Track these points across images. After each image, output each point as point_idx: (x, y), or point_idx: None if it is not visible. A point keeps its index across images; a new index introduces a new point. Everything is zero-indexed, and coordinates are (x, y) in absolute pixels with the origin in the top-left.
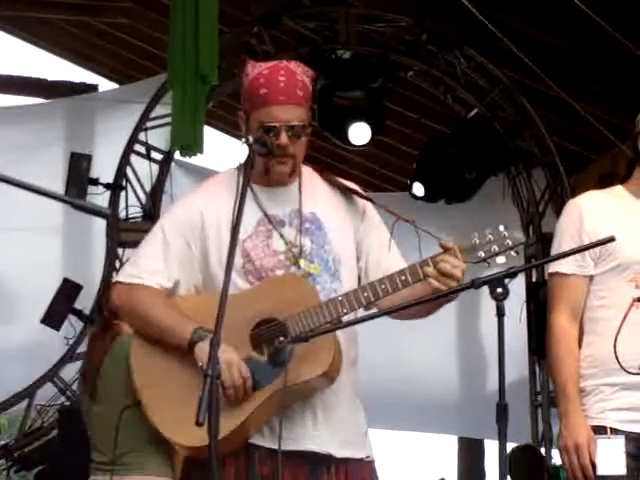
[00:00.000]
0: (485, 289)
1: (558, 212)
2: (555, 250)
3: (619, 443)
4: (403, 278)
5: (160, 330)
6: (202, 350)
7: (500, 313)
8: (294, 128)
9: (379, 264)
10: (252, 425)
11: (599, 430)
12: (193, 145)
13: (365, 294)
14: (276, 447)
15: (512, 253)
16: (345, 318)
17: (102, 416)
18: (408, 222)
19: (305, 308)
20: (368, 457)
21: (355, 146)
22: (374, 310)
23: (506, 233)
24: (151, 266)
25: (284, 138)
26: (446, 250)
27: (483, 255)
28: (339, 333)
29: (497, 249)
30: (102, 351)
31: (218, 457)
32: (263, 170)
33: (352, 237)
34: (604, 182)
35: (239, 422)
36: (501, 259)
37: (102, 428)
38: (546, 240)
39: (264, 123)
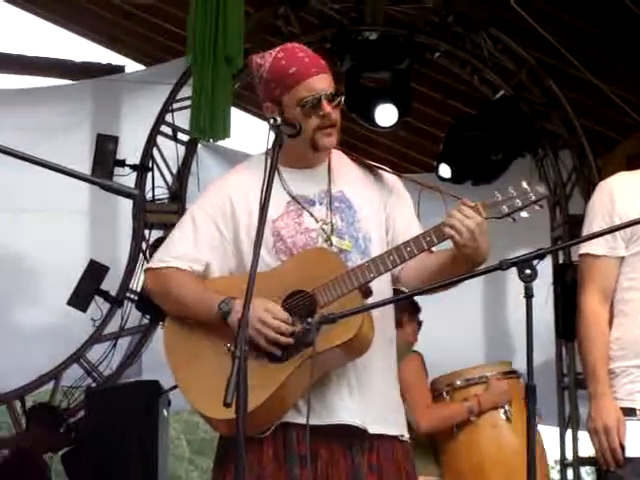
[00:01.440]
0: (510, 270)
1: (585, 194)
2: (586, 231)
3: None
4: (428, 239)
5: (189, 308)
6: (234, 321)
7: (528, 294)
8: (333, 94)
9: (405, 235)
10: (285, 397)
11: (629, 412)
12: (215, 129)
13: (391, 257)
14: (313, 422)
15: (536, 207)
16: (376, 288)
17: None
18: (433, 189)
19: (332, 277)
20: (402, 436)
21: (382, 127)
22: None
23: (528, 188)
24: (180, 250)
25: (327, 106)
26: (468, 206)
27: (506, 210)
28: (374, 310)
29: (520, 203)
30: None
31: (254, 435)
32: (310, 146)
33: (382, 214)
34: (632, 163)
35: (271, 392)
36: (524, 214)
37: None
38: (573, 222)
39: (304, 98)
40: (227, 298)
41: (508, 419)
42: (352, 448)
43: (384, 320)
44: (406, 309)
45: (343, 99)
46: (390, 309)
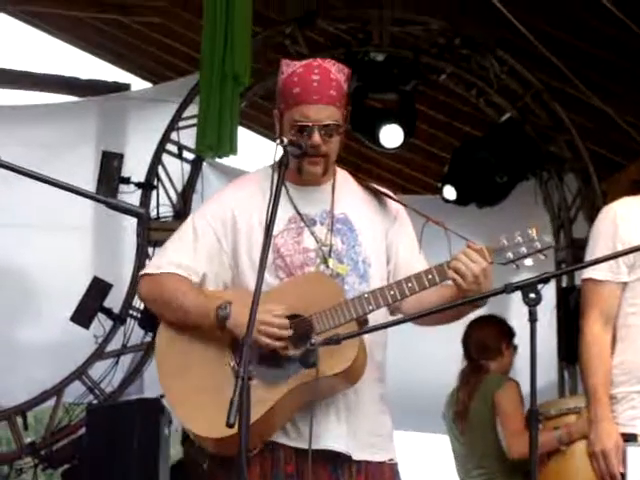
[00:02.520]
0: (513, 294)
1: (589, 218)
2: (589, 256)
3: None
4: (430, 277)
5: (185, 312)
6: (236, 325)
7: (533, 318)
8: (327, 127)
9: (408, 267)
10: (276, 419)
11: (630, 438)
12: (221, 147)
13: (391, 292)
14: (299, 445)
15: (540, 256)
16: (371, 317)
17: (472, 445)
18: (438, 224)
19: (330, 305)
20: (391, 460)
21: (387, 148)
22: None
23: (535, 236)
24: (178, 258)
25: (317, 137)
26: (474, 250)
27: (511, 257)
28: (366, 335)
29: (525, 251)
30: (472, 390)
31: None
32: (296, 170)
33: (383, 240)
34: (636, 188)
35: (263, 412)
36: (529, 262)
37: (467, 457)
38: (577, 245)
39: (297, 122)
40: (224, 302)
41: None
42: (338, 472)
43: (374, 345)
44: (505, 337)
45: (342, 131)
46: (382, 335)
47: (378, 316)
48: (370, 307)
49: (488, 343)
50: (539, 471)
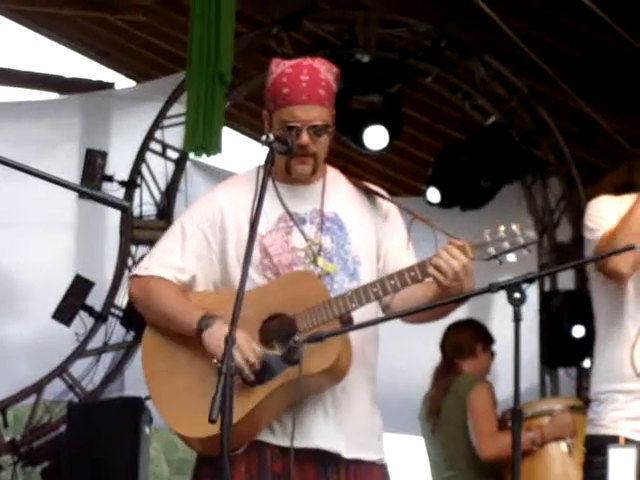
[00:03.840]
0: (495, 296)
1: (573, 222)
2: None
3: (631, 453)
4: (412, 274)
5: (169, 318)
6: (211, 338)
7: (517, 318)
8: (316, 127)
9: (397, 266)
10: (261, 417)
11: (612, 439)
12: (208, 145)
13: (374, 289)
14: (286, 444)
15: (524, 252)
16: (361, 315)
17: (443, 445)
18: (425, 221)
19: (314, 304)
20: (380, 460)
21: (371, 151)
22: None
23: (518, 231)
24: (167, 259)
25: (305, 138)
26: (455, 246)
27: (494, 252)
28: (354, 333)
29: (508, 246)
30: (443, 388)
31: (228, 454)
32: (284, 169)
33: (373, 238)
34: (620, 192)
35: (247, 411)
36: (512, 257)
37: (438, 456)
38: (560, 249)
39: (286, 123)
40: (209, 315)
41: (570, 452)
42: (326, 472)
43: (366, 345)
44: (480, 340)
45: (331, 131)
46: (373, 334)
47: (368, 314)
48: (353, 305)
49: (463, 343)
50: (510, 470)
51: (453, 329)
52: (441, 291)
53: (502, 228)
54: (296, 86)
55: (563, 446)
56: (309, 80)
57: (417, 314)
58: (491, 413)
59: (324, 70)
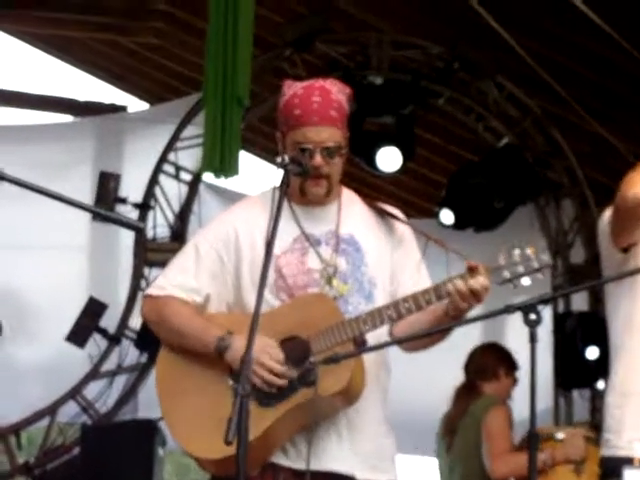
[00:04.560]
0: (509, 317)
1: (586, 243)
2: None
3: None
4: (427, 297)
5: (185, 339)
6: (234, 358)
7: (533, 339)
8: (328, 149)
9: (411, 289)
10: (274, 439)
11: (627, 461)
12: (226, 167)
13: (388, 312)
14: (300, 467)
15: (538, 276)
16: (370, 337)
17: (456, 465)
18: (438, 243)
19: (328, 326)
20: None
21: (384, 172)
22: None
23: (532, 255)
24: (181, 279)
25: (318, 159)
26: (472, 270)
27: (508, 276)
28: (368, 356)
29: (523, 270)
30: (462, 409)
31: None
32: (299, 191)
33: (388, 260)
34: None
35: (261, 431)
36: (526, 281)
37: (450, 475)
38: (574, 270)
39: (299, 144)
40: (226, 334)
41: (578, 476)
42: None
43: (380, 367)
44: (504, 363)
45: (344, 152)
46: (385, 357)
47: (382, 338)
48: (367, 327)
49: (486, 366)
50: None
51: (479, 351)
52: (450, 317)
53: (517, 252)
54: (308, 107)
55: (571, 469)
56: (321, 101)
57: (418, 340)
58: (506, 434)
59: (336, 91)
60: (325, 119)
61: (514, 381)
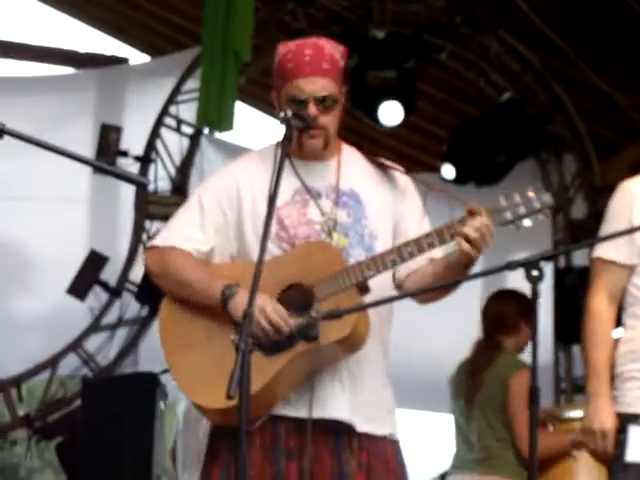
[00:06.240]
0: (509, 273)
1: (588, 199)
2: (602, 232)
3: None
4: (430, 240)
5: (190, 290)
6: (237, 307)
7: (535, 296)
8: (323, 100)
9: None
10: (278, 388)
11: (633, 417)
12: (222, 121)
13: (391, 257)
14: (303, 415)
15: (540, 216)
16: (373, 284)
17: (479, 421)
18: (440, 191)
19: (331, 272)
20: (392, 435)
21: (386, 126)
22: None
23: (534, 196)
24: (186, 231)
25: (312, 109)
26: (472, 213)
27: (510, 217)
28: (373, 309)
29: (525, 211)
30: (487, 361)
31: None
32: (297, 146)
33: (390, 214)
34: (636, 169)
35: (265, 381)
36: (528, 222)
37: (478, 431)
38: (575, 226)
39: (292, 97)
40: (232, 284)
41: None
42: (339, 446)
43: (381, 320)
44: (525, 313)
45: (339, 104)
46: (387, 309)
47: (385, 286)
48: (370, 272)
49: (507, 318)
50: (548, 471)
51: (496, 300)
52: (463, 259)
53: (517, 194)
54: (300, 60)
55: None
56: (312, 54)
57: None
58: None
59: (329, 47)
60: (317, 70)
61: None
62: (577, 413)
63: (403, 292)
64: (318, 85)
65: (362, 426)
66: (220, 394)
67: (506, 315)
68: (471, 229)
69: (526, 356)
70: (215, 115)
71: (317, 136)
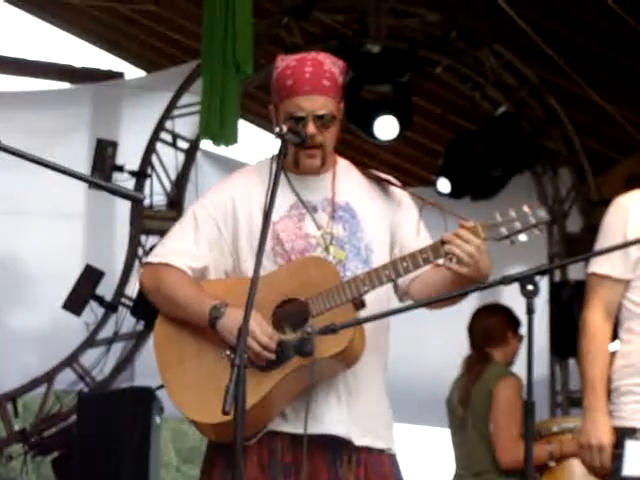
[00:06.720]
0: (504, 287)
1: (583, 212)
2: (597, 247)
3: None
4: (425, 256)
5: (181, 308)
6: (225, 329)
7: (530, 310)
8: (321, 118)
9: (416, 248)
10: (274, 403)
11: (630, 431)
12: (224, 134)
13: (386, 272)
14: (299, 431)
15: (535, 231)
16: (368, 299)
17: (472, 434)
18: (435, 206)
19: (327, 287)
20: (389, 449)
21: (382, 141)
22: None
23: (529, 211)
24: (179, 247)
25: (311, 128)
26: (465, 230)
27: (505, 232)
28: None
29: (520, 226)
30: (476, 375)
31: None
32: (293, 162)
33: (386, 226)
34: (631, 183)
35: (260, 397)
36: (523, 237)
37: (463, 446)
38: (570, 239)
39: (291, 114)
40: (220, 303)
41: None
42: (336, 460)
43: (378, 332)
44: (511, 325)
45: (337, 122)
46: (385, 323)
47: (381, 300)
48: (365, 288)
49: (493, 330)
50: None
51: (481, 315)
52: (457, 275)
53: (513, 209)
54: (300, 77)
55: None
56: (312, 71)
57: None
58: (516, 414)
59: (329, 62)
60: (317, 88)
61: (521, 339)
62: (562, 426)
63: (410, 298)
64: (318, 103)
65: (360, 440)
66: (214, 409)
67: (492, 328)
68: (458, 249)
69: (521, 370)
70: (217, 128)
71: (315, 155)
